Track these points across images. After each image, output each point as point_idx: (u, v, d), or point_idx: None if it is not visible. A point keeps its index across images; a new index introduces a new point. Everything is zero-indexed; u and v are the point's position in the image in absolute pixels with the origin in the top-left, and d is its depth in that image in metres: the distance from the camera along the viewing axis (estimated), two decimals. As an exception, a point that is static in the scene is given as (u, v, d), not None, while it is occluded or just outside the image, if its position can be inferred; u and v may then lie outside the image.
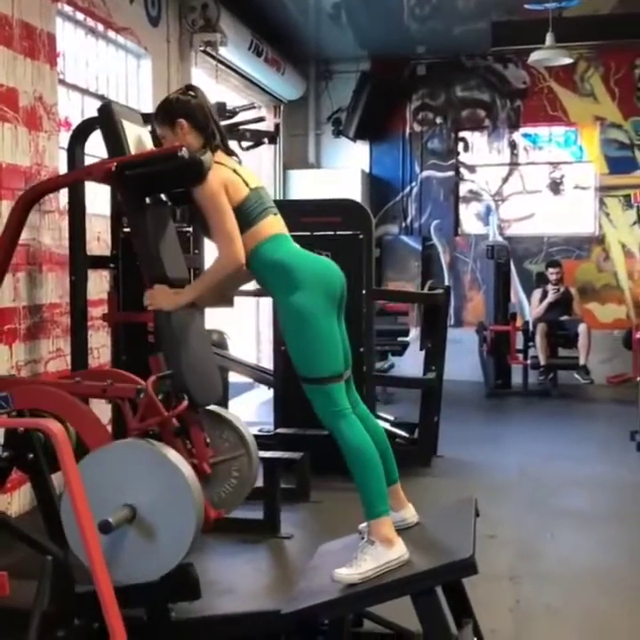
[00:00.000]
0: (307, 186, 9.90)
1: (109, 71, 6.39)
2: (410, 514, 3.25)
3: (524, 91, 10.29)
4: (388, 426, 6.35)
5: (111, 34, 6.30)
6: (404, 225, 10.66)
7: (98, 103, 6.31)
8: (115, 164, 2.98)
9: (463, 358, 9.25)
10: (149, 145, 3.27)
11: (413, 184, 10.61)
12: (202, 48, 7.21)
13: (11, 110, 4.84)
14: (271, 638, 3.05)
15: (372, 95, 10.08)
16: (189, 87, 3.27)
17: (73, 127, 5.32)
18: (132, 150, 3.07)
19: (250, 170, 3.28)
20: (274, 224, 3.11)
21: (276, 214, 3.16)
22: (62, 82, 5.63)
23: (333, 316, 3.01)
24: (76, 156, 4.86)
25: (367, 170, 10.56)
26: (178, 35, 7.18)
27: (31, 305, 5.05)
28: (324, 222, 5.87)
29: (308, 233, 5.85)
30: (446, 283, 10.52)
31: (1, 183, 4.78)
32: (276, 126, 5.06)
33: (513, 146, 10.44)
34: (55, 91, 5.30)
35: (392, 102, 10.45)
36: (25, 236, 4.97)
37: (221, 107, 4.48)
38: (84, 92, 6.01)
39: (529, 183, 10.44)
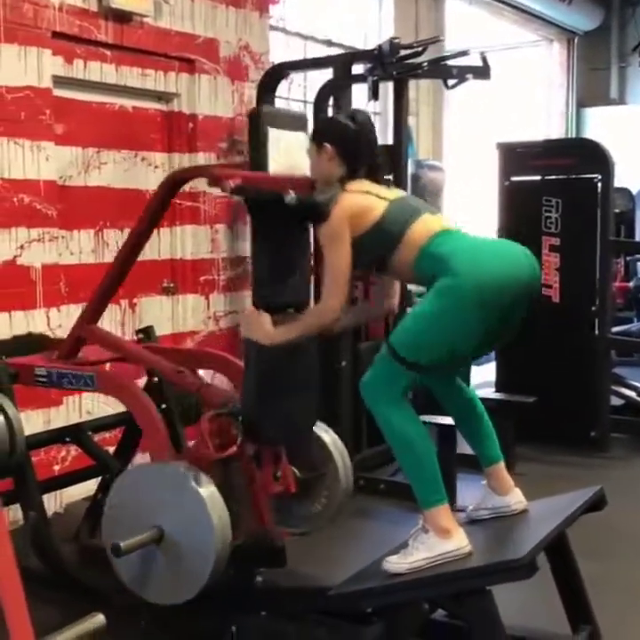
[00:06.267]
0: (605, 125, 9.01)
1: (341, 14, 6.22)
2: (515, 499, 2.87)
3: None
4: (634, 395, 5.62)
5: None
6: None
7: (324, 49, 6.26)
8: (231, 186, 2.78)
9: None
10: (300, 154, 2.95)
11: None
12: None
13: (210, 61, 4.84)
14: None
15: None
16: (355, 111, 2.93)
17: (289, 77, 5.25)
18: (272, 165, 2.81)
19: (386, 188, 2.85)
20: (433, 222, 2.71)
21: (433, 213, 2.77)
22: (280, 29, 5.55)
23: (489, 319, 2.52)
24: (261, 103, 4.76)
25: (682, 104, 9.41)
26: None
27: (232, 257, 5.09)
28: (557, 165, 5.31)
29: (539, 177, 5.38)
30: None
31: (198, 134, 4.82)
32: (484, 60, 4.54)
33: None
34: (265, 38, 5.22)
35: None
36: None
37: (395, 44, 4.12)
38: (308, 38, 5.90)
39: None
